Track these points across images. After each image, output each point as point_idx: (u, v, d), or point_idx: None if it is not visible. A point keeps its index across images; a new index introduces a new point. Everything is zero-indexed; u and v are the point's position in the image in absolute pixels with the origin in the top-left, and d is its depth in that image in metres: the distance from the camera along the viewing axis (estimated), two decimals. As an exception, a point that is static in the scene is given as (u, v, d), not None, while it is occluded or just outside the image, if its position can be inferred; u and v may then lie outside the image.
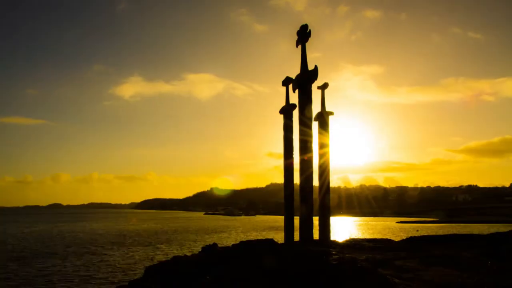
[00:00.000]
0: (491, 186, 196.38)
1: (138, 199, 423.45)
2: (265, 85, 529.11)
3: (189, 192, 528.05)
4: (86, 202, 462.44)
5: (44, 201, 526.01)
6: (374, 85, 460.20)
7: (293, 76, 14.17)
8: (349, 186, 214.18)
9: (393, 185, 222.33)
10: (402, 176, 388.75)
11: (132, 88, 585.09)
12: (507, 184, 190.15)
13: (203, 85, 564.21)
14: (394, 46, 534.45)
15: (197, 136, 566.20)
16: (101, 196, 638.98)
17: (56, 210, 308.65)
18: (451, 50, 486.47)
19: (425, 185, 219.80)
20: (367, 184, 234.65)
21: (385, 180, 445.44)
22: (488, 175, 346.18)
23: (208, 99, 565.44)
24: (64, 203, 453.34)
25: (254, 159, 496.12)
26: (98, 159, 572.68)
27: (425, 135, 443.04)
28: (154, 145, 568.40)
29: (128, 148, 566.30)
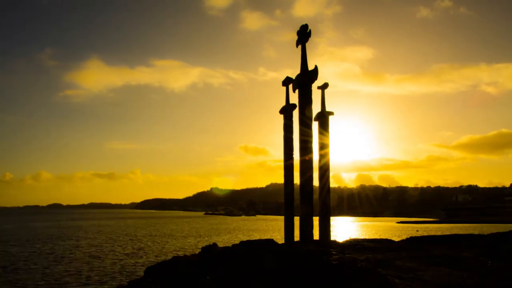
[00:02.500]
0: (491, 186, 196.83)
1: (138, 199, 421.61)
2: (241, 72, 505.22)
3: (189, 192, 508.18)
4: (86, 202, 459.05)
5: (44, 201, 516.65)
6: (361, 73, 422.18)
7: (293, 76, 14.18)
8: (345, 186, 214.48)
9: (392, 184, 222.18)
10: (397, 174, 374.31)
11: (93, 74, 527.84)
12: (507, 184, 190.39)
13: (174, 73, 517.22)
14: (378, 23, 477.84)
15: (176, 131, 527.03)
16: (101, 196, 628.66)
17: (56, 210, 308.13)
18: (442, 28, 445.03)
19: (424, 185, 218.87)
20: (363, 183, 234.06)
21: (380, 178, 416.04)
22: (486, 173, 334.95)
23: (182, 89, 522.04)
24: (64, 203, 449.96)
25: (237, 155, 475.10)
26: (67, 155, 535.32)
27: (415, 128, 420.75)
28: (129, 140, 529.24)
29: (100, 144, 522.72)
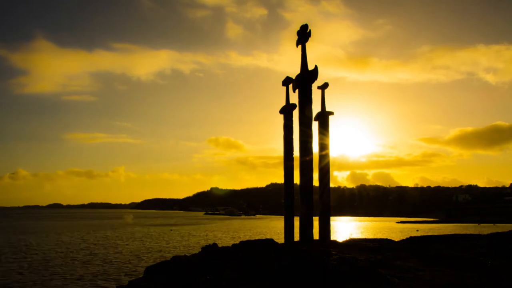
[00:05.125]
0: (490, 184, 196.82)
1: (138, 199, 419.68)
2: (211, 58, 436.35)
3: (189, 192, 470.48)
4: (86, 202, 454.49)
5: (43, 201, 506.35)
6: (345, 57, 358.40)
7: (293, 76, 14.19)
8: (345, 186, 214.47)
9: (391, 184, 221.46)
10: (391, 172, 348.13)
11: (45, 58, 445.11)
12: (505, 182, 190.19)
13: (137, 58, 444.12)
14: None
15: (147, 124, 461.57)
16: (101, 196, 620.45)
17: (57, 210, 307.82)
18: (431, 1, 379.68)
19: (421, 183, 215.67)
20: (356, 181, 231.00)
21: (374, 177, 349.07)
22: (484, 170, 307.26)
23: (149, 77, 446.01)
24: (64, 203, 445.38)
25: (214, 150, 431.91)
26: (38, 151, 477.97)
27: (407, 121, 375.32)
28: (99, 134, 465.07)
29: (70, 139, 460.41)
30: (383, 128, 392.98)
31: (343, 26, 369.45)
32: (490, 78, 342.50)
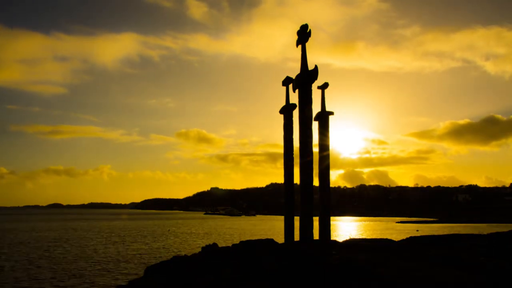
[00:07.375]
0: (490, 184, 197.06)
1: (138, 199, 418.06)
2: (178, 41, 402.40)
3: (189, 192, 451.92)
4: (86, 202, 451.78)
5: (44, 201, 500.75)
6: (328, 40, 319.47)
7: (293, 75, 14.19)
8: (345, 185, 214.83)
9: (391, 183, 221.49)
10: (386, 170, 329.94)
11: None
12: (505, 180, 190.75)
13: (101, 42, 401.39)
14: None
15: (119, 119, 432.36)
16: (101, 196, 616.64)
17: (58, 210, 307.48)
18: None
19: (417, 181, 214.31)
20: (352, 180, 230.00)
21: (369, 176, 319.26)
22: (482, 168, 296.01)
23: (116, 65, 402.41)
24: (64, 203, 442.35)
25: (192, 146, 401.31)
26: (12, 148, 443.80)
27: (393, 113, 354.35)
28: (73, 129, 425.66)
29: (39, 135, 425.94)
30: (372, 122, 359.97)
31: (323, 2, 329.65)
32: (489, 66, 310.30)
